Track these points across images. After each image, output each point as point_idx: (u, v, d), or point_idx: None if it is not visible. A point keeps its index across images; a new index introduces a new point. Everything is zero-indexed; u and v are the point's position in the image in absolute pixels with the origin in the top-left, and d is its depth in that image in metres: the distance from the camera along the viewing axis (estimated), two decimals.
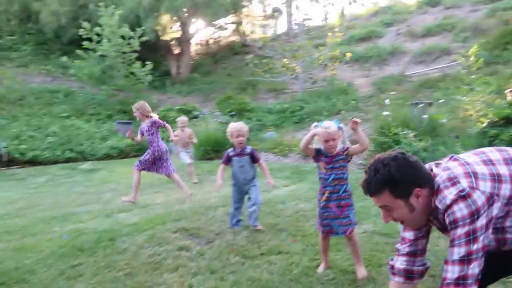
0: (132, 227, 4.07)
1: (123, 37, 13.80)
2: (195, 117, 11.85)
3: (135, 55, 14.12)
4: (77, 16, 16.51)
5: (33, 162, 9.73)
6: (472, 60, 6.86)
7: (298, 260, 3.11)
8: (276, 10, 23.03)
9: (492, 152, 1.55)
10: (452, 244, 1.44)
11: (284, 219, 4.25)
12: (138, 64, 13.97)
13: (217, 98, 14.16)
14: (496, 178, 1.43)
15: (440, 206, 1.47)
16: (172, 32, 18.45)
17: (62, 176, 8.34)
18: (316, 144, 2.86)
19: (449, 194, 1.43)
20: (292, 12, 19.85)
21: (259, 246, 3.43)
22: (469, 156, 1.55)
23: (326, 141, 2.74)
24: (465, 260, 1.39)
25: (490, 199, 1.40)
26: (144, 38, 14.30)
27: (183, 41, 20.09)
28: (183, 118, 7.09)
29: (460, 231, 1.40)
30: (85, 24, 13.42)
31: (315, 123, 2.84)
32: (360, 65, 14.88)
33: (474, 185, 1.41)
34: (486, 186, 1.41)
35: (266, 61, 12.92)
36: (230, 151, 3.85)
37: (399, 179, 1.50)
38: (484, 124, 5.21)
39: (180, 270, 3.03)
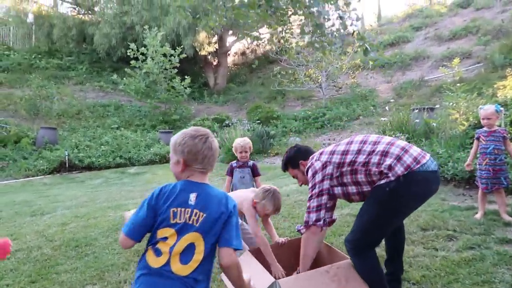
0: None
1: (165, 55, 15.44)
2: (228, 125, 13.12)
3: (175, 70, 15.70)
4: (126, 36, 18.45)
5: (90, 167, 11.39)
6: (456, 71, 7.49)
7: (283, 232, 4.18)
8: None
9: (349, 138, 2.45)
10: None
11: (285, 207, 5.29)
12: (177, 78, 15.52)
13: (249, 107, 15.38)
14: (332, 152, 2.32)
15: None
16: (209, 46, 19.92)
17: (113, 178, 9.85)
18: None
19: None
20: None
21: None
22: (332, 145, 2.46)
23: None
24: (313, 196, 2.28)
25: (324, 165, 2.30)
26: (183, 55, 15.86)
27: (220, 53, 21.59)
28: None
29: (309, 185, 2.34)
30: (132, 46, 15.19)
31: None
32: (384, 71, 15.50)
33: (317, 158, 2.37)
34: (324, 157, 2.33)
35: (291, 71, 13.95)
36: (233, 163, 4.07)
37: (290, 159, 2.75)
38: (465, 127, 5.96)
39: None
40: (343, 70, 13.43)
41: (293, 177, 2.83)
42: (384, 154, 2.15)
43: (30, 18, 21.02)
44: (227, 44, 22.05)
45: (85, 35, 20.14)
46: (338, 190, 2.31)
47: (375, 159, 2.15)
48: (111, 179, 9.84)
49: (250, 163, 4.06)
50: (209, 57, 21.37)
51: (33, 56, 19.55)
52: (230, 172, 4.05)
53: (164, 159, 11.92)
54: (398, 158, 2.11)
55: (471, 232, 3.72)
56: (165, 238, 1.60)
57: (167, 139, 13.23)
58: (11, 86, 16.36)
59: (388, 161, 2.11)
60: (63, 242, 4.24)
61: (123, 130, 14.12)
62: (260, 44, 25.18)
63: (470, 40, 15.49)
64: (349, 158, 2.23)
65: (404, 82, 13.44)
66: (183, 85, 15.59)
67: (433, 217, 4.20)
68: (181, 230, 1.59)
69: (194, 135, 1.69)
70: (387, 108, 8.58)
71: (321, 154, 2.40)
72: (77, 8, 21.63)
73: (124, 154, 12.00)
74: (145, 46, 15.35)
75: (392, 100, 10.77)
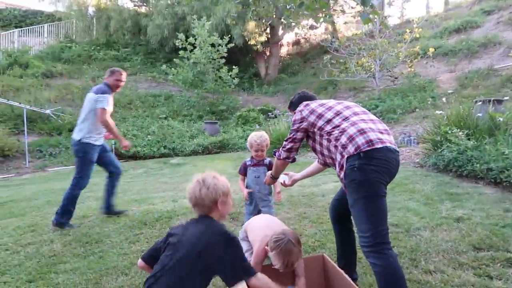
0: (188, 209, 5.00)
1: (213, 45, 15.26)
2: (273, 117, 12.65)
3: (223, 60, 15.47)
4: (177, 27, 18.59)
5: (135, 156, 11.54)
6: None
7: (306, 240, 3.67)
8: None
9: (331, 102, 2.56)
10: None
11: (316, 209, 4.77)
12: (225, 68, 15.29)
13: None
14: (312, 111, 2.47)
15: None
16: (259, 36, 19.46)
17: (155, 169, 9.84)
18: None
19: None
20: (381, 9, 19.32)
21: None
22: (316, 103, 2.58)
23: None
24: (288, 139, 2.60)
25: (302, 119, 2.52)
26: (231, 45, 15.57)
27: (272, 43, 21.06)
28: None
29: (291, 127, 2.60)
30: (180, 36, 15.20)
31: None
32: (447, 59, 14.06)
33: (301, 110, 2.54)
34: (305, 113, 2.50)
35: (342, 60, 13.10)
36: (247, 161, 3.57)
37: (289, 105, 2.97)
38: None
39: None
40: (400, 58, 12.29)
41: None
42: (342, 131, 2.26)
43: (91, 11, 21.93)
44: (279, 34, 21.44)
45: (140, 27, 20.63)
46: (310, 142, 2.59)
47: (335, 133, 2.31)
48: (153, 169, 9.84)
49: (267, 160, 3.53)
50: (259, 46, 20.91)
51: (92, 48, 20.41)
52: (244, 171, 3.57)
53: (207, 150, 11.78)
54: (351, 139, 2.19)
55: None
56: None
57: (212, 129, 13.10)
58: (71, 77, 17.17)
59: (343, 139, 2.22)
60: (75, 238, 4.07)
61: (170, 120, 14.21)
62: (313, 36, 24.41)
63: None
64: (320, 123, 2.42)
65: (470, 71, 12.02)
66: (230, 75, 15.33)
67: (490, 234, 3.44)
68: None
69: None
70: (444, 99, 7.58)
71: (305, 106, 2.57)
72: (133, 0, 22.20)
73: (168, 144, 12.02)
74: (193, 36, 15.29)
75: (450, 91, 9.57)
